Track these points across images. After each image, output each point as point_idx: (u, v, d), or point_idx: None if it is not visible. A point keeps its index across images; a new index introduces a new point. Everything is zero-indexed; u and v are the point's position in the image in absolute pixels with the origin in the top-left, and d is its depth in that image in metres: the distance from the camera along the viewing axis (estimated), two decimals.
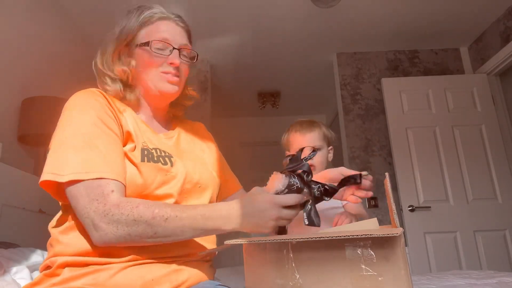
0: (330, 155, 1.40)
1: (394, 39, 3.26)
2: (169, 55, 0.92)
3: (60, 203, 0.85)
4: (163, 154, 0.89)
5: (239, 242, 0.66)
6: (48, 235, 0.87)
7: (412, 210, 2.82)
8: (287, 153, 1.43)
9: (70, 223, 0.81)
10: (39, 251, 1.29)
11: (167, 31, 0.93)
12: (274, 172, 0.78)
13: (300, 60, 3.54)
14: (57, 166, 0.75)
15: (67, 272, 0.76)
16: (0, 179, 1.57)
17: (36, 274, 1.14)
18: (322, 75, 3.78)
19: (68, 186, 0.75)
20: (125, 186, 0.79)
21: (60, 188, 0.79)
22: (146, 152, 0.85)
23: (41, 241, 1.56)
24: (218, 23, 2.91)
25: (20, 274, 1.08)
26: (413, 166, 2.93)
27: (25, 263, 1.18)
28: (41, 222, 1.79)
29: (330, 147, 1.41)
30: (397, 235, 0.56)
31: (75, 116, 0.82)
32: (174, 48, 0.92)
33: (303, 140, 1.35)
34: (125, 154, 0.83)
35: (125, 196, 0.79)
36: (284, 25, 2.97)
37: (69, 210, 0.81)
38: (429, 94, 3.10)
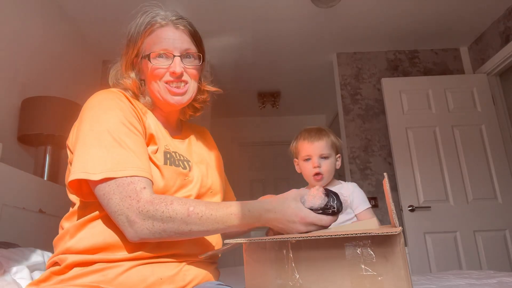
0: (338, 163, 1.39)
1: (394, 39, 3.26)
2: (170, 64, 0.90)
3: (78, 200, 0.85)
4: (182, 158, 0.91)
5: (239, 241, 0.66)
6: (48, 234, 0.87)
7: (412, 210, 2.82)
8: (296, 160, 1.43)
9: (85, 218, 0.82)
10: (39, 251, 1.29)
11: (166, 39, 0.90)
12: (317, 187, 0.76)
13: (300, 60, 3.54)
14: (89, 165, 0.76)
15: (75, 270, 0.77)
16: (0, 179, 1.57)
17: (36, 274, 1.14)
18: (322, 75, 3.79)
19: (99, 184, 0.76)
20: (153, 184, 0.81)
21: (84, 186, 0.80)
22: (168, 155, 0.87)
23: (41, 241, 1.57)
24: (218, 23, 2.91)
25: (20, 274, 1.08)
26: (413, 166, 2.93)
27: (25, 263, 1.17)
28: (41, 222, 1.79)
29: (338, 155, 1.40)
30: (396, 233, 0.56)
31: (102, 115, 0.82)
32: (174, 56, 0.90)
33: (311, 148, 1.35)
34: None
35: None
36: (284, 25, 2.97)
37: (88, 207, 0.82)
38: (429, 94, 3.10)
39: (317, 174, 1.34)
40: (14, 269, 1.09)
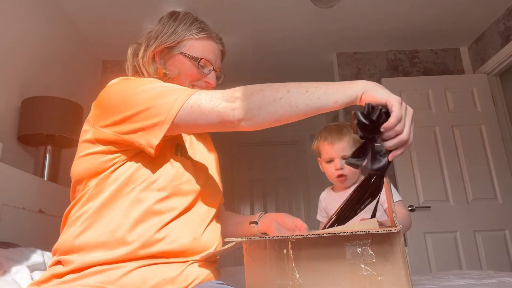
0: None
1: (394, 39, 3.26)
2: (208, 74, 0.99)
3: (86, 190, 0.85)
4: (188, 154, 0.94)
5: (239, 240, 0.66)
6: (48, 234, 0.87)
7: (412, 210, 2.82)
8: (319, 159, 1.38)
9: (89, 213, 0.81)
10: (39, 251, 1.29)
11: (212, 52, 1.00)
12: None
13: (300, 60, 3.54)
14: (164, 104, 0.78)
15: (77, 272, 0.77)
16: (0, 179, 1.57)
17: (36, 274, 1.14)
18: (322, 75, 3.78)
19: (179, 113, 0.78)
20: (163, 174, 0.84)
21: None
22: (180, 147, 0.90)
23: (41, 241, 1.57)
24: (218, 23, 2.89)
25: (20, 274, 1.08)
26: (413, 166, 2.93)
27: (25, 263, 1.17)
28: (41, 222, 1.79)
29: None
30: (396, 231, 0.56)
31: (137, 82, 0.85)
32: (214, 70, 1.00)
33: (332, 150, 1.30)
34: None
35: (160, 185, 0.83)
36: (284, 25, 2.97)
37: (91, 199, 0.82)
38: (429, 94, 3.10)
39: (340, 176, 1.29)
40: (14, 269, 1.09)
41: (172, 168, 0.85)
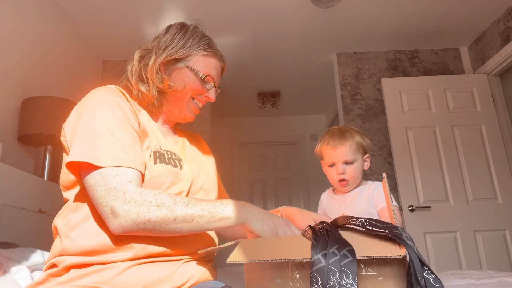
0: (367, 164, 1.32)
1: (394, 39, 3.26)
2: (209, 89, 1.02)
3: (72, 198, 0.86)
4: (173, 156, 0.93)
5: (240, 262, 0.65)
6: (48, 234, 0.88)
7: (412, 210, 2.82)
8: (322, 162, 1.37)
9: (80, 217, 0.82)
10: (39, 251, 1.29)
11: (215, 69, 1.03)
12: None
13: (300, 60, 3.54)
14: (92, 151, 0.78)
15: (73, 272, 0.77)
16: (0, 179, 1.57)
17: (36, 274, 1.14)
18: (322, 75, 3.78)
19: (86, 177, 0.78)
20: (142, 175, 0.82)
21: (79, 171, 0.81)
22: (158, 154, 0.89)
23: (41, 241, 1.57)
24: (218, 23, 2.91)
25: (20, 274, 1.08)
26: (413, 166, 2.93)
27: (25, 263, 1.17)
28: (41, 222, 1.79)
29: (366, 155, 1.33)
30: (400, 257, 0.56)
31: (100, 108, 0.85)
32: (214, 86, 1.02)
33: (334, 155, 1.28)
34: None
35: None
36: (284, 25, 2.97)
37: (82, 205, 0.83)
38: (429, 94, 3.10)
39: (341, 180, 1.28)
40: (14, 269, 1.09)
41: (153, 178, 0.84)
